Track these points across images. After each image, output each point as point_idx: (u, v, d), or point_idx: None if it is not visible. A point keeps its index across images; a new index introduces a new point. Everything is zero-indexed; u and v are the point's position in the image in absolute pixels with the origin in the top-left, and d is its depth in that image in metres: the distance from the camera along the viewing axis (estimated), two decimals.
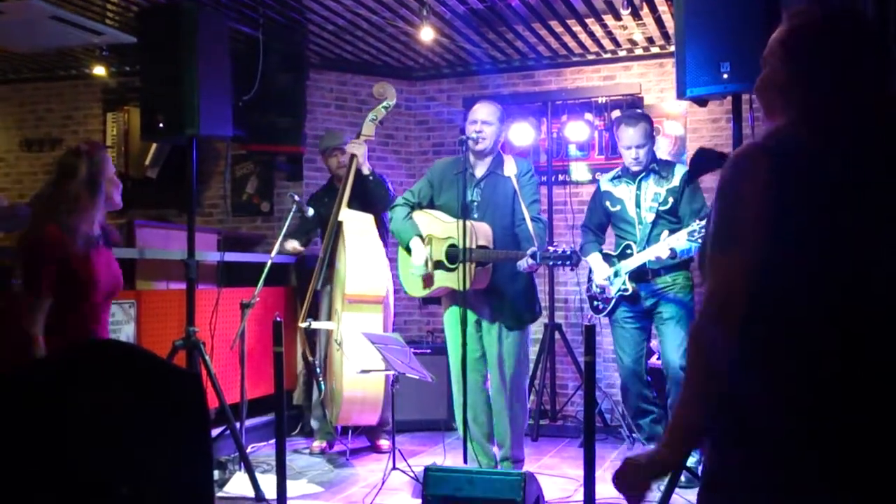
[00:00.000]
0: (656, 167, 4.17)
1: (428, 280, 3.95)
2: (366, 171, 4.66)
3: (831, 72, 1.45)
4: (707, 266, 1.46)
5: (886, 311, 1.37)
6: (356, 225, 4.57)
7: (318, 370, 4.61)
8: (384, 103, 4.68)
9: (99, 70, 6.25)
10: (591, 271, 4.36)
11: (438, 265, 3.93)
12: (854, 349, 1.36)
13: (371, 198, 4.68)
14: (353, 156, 4.63)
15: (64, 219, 2.75)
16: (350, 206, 4.61)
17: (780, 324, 1.40)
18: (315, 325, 4.58)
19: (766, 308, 1.40)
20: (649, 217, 4.10)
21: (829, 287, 1.38)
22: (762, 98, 1.55)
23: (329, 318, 4.70)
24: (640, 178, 4.17)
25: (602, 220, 4.39)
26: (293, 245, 4.94)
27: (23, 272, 2.73)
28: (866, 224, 1.38)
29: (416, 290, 4.05)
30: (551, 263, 3.59)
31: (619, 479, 1.47)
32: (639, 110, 5.19)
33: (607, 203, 4.30)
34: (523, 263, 3.59)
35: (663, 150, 5.64)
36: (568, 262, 3.53)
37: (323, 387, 4.59)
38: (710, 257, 1.44)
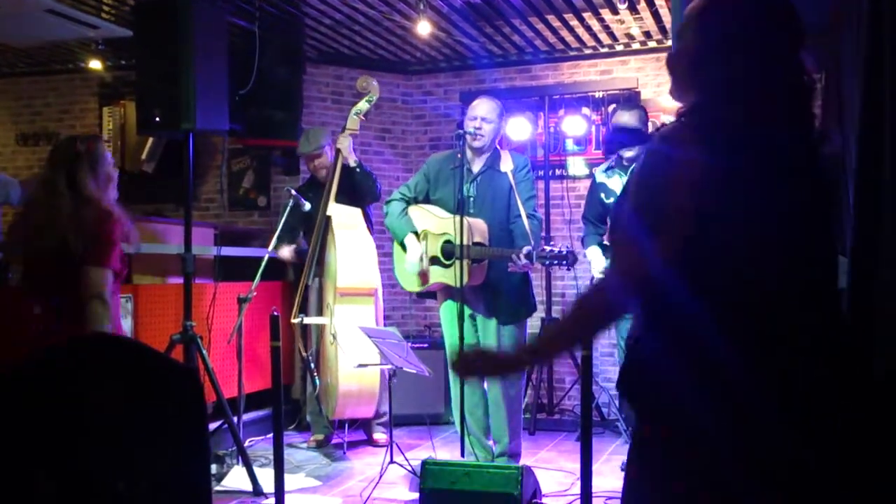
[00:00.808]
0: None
1: (423, 277, 3.95)
2: (352, 163, 4.67)
3: (746, 45, 1.40)
4: (624, 244, 1.45)
5: (813, 288, 1.38)
6: (345, 219, 4.58)
7: (311, 365, 4.62)
8: (367, 97, 4.70)
9: (95, 64, 6.24)
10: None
11: (434, 261, 3.93)
12: (779, 327, 1.35)
13: (358, 190, 4.69)
14: (338, 150, 4.65)
15: (107, 199, 2.84)
16: (337, 200, 4.61)
17: (709, 304, 1.38)
18: (307, 320, 4.59)
19: (696, 288, 1.38)
20: None
21: (760, 266, 1.37)
22: (674, 73, 1.50)
23: (320, 313, 4.71)
24: (631, 167, 4.18)
25: (600, 211, 4.41)
26: (288, 253, 4.91)
27: (96, 245, 2.75)
28: (793, 201, 1.37)
29: (412, 285, 4.06)
30: (547, 263, 3.59)
31: (465, 363, 1.55)
32: (633, 100, 5.21)
33: (602, 195, 4.31)
34: (518, 262, 3.58)
35: None
36: (564, 263, 3.52)
37: (318, 381, 4.59)
38: (632, 238, 1.41)
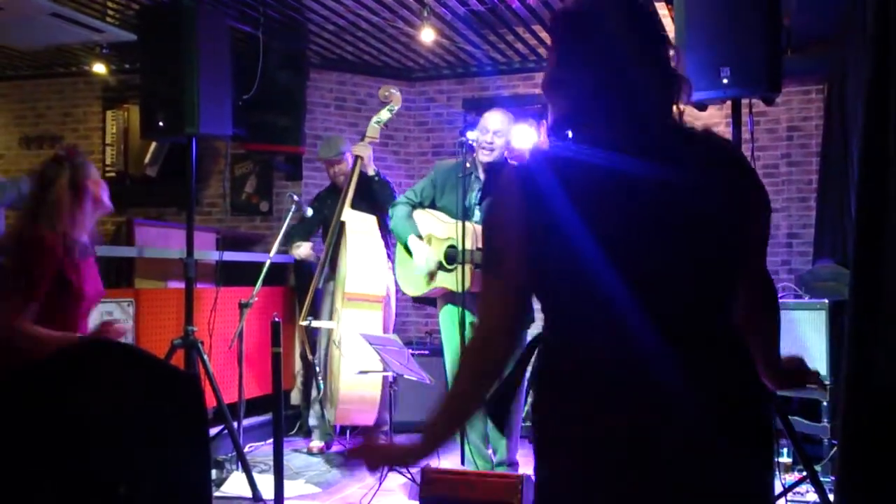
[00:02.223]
0: None
1: (432, 277, 3.93)
2: (371, 172, 4.69)
3: (597, 55, 1.36)
4: (480, 283, 1.47)
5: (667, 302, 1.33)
6: (358, 225, 4.60)
7: (317, 369, 4.62)
8: (389, 106, 4.68)
9: (99, 68, 6.24)
10: None
11: (437, 266, 3.93)
12: (641, 353, 1.31)
13: (376, 199, 4.71)
14: (358, 157, 4.66)
15: (56, 224, 2.63)
16: (355, 206, 4.63)
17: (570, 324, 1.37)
18: (315, 323, 4.60)
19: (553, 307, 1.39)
20: None
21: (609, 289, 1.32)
22: (548, 98, 1.47)
23: (330, 318, 4.71)
24: None
25: None
26: (306, 250, 4.93)
27: (15, 275, 2.57)
28: (641, 218, 1.32)
29: (412, 289, 4.06)
30: None
31: (364, 453, 1.52)
32: None
33: None
34: None
35: None
36: None
37: (322, 386, 4.59)
38: (482, 277, 1.45)
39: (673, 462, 1.31)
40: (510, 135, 3.96)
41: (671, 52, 1.42)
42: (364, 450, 1.52)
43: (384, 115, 4.69)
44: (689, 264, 1.34)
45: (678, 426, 1.30)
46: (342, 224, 4.59)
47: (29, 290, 2.52)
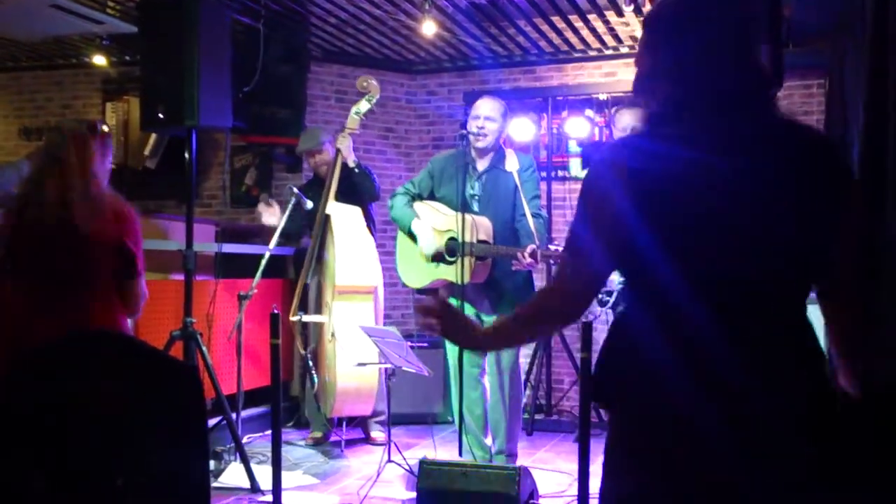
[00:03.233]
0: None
1: (437, 258, 3.93)
2: (351, 163, 4.69)
3: (696, 52, 1.40)
4: (563, 255, 1.56)
5: (754, 292, 1.36)
6: (344, 217, 4.60)
7: (310, 363, 4.63)
8: (367, 96, 4.70)
9: (99, 59, 6.24)
10: None
11: (437, 257, 3.94)
12: (725, 336, 1.34)
13: (357, 190, 4.72)
14: (338, 150, 4.67)
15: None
16: (337, 199, 4.63)
17: (657, 305, 1.40)
18: (306, 318, 4.61)
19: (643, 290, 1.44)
20: None
21: (699, 272, 1.36)
22: (638, 96, 1.53)
23: (318, 311, 4.72)
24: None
25: None
26: (270, 216, 4.91)
27: (127, 255, 2.74)
28: (731, 203, 1.35)
29: (415, 280, 4.06)
30: (552, 262, 3.60)
31: (426, 310, 1.57)
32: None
33: None
34: (523, 260, 3.58)
35: None
36: None
37: (316, 379, 4.60)
38: (563, 248, 1.55)
39: (737, 466, 1.33)
40: (503, 121, 3.97)
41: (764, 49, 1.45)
42: (441, 313, 1.57)
43: (363, 105, 4.70)
44: (762, 259, 1.36)
45: (744, 427, 1.33)
46: (327, 217, 4.60)
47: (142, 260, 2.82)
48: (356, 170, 4.71)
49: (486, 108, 3.92)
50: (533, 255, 3.54)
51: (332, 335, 4.45)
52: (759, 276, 1.36)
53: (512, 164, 3.93)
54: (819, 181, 1.37)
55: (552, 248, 3.58)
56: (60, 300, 2.64)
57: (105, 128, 2.85)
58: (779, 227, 1.35)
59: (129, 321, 2.90)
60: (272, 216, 4.94)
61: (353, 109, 4.72)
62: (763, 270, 1.36)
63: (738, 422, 1.33)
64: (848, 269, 1.42)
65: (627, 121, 4.16)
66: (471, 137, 3.85)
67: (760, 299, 1.37)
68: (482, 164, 3.97)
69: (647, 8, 5.05)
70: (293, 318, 4.57)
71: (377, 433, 4.85)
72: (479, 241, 3.77)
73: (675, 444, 1.37)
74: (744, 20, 1.44)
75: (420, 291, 4.23)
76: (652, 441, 1.40)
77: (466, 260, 3.70)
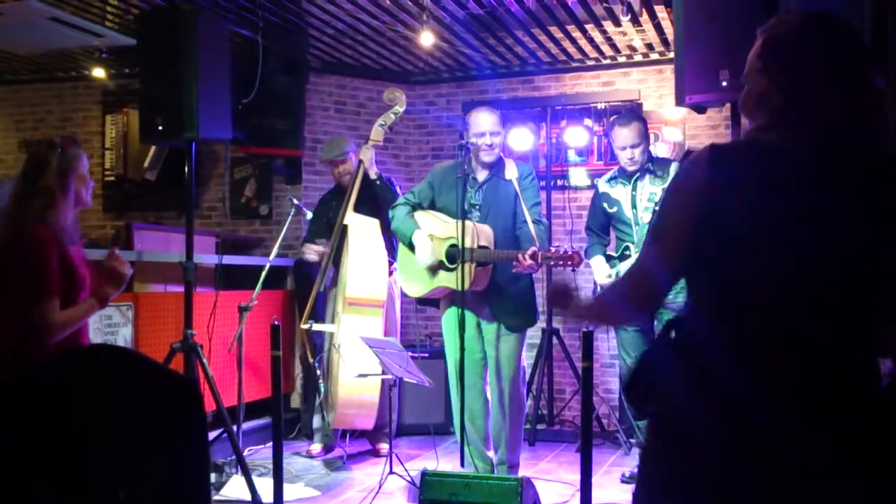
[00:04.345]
0: (651, 166, 4.18)
1: (434, 272, 3.93)
2: (373, 175, 4.70)
3: (805, 78, 1.46)
4: (638, 259, 1.60)
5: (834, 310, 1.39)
6: (361, 228, 4.60)
7: (318, 372, 4.62)
8: (394, 109, 4.69)
9: (98, 72, 6.25)
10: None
11: (439, 265, 3.93)
12: (799, 351, 1.38)
13: (379, 201, 4.71)
14: (360, 161, 4.67)
15: (44, 216, 2.61)
16: (358, 210, 4.64)
17: (724, 317, 1.45)
18: (316, 326, 4.60)
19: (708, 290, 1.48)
20: (646, 217, 4.11)
21: (762, 274, 1.41)
22: (747, 115, 1.58)
23: (333, 321, 4.71)
24: (635, 178, 4.19)
25: (603, 221, 4.41)
26: (314, 254, 4.88)
27: (23, 277, 2.54)
28: (809, 222, 1.39)
29: (415, 290, 4.06)
30: (552, 264, 3.59)
31: (560, 298, 1.71)
32: (632, 111, 5.24)
33: (605, 205, 4.32)
34: (523, 262, 3.58)
35: (662, 155, 5.65)
36: (569, 263, 3.53)
37: (322, 388, 4.59)
38: (645, 240, 1.58)
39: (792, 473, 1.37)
40: (503, 131, 4.00)
41: (875, 76, 1.49)
42: (564, 297, 1.71)
43: (389, 117, 4.70)
44: (830, 280, 1.39)
45: (816, 441, 1.35)
46: (345, 227, 4.60)
47: (48, 287, 2.53)
48: (378, 181, 4.72)
49: (489, 122, 3.92)
50: (533, 256, 3.54)
51: (337, 347, 4.44)
52: (826, 297, 1.39)
53: (511, 172, 3.94)
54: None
55: (552, 249, 3.57)
56: None
57: (58, 139, 2.79)
58: (857, 256, 1.39)
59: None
60: (314, 254, 4.91)
61: (379, 121, 4.72)
62: (830, 292, 1.40)
63: (807, 435, 1.36)
64: None
65: (626, 137, 4.16)
66: (481, 154, 3.88)
67: (828, 320, 1.40)
68: (482, 174, 3.97)
69: (644, 17, 5.07)
70: (304, 326, 4.57)
71: (384, 445, 4.84)
72: (480, 247, 3.77)
73: (734, 453, 1.39)
74: (861, 45, 1.51)
75: (420, 301, 4.23)
76: (707, 448, 1.41)
77: (467, 267, 3.70)
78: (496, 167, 3.97)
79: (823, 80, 1.45)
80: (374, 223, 4.65)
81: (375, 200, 4.71)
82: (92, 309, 2.66)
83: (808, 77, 1.45)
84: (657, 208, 1.60)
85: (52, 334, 2.52)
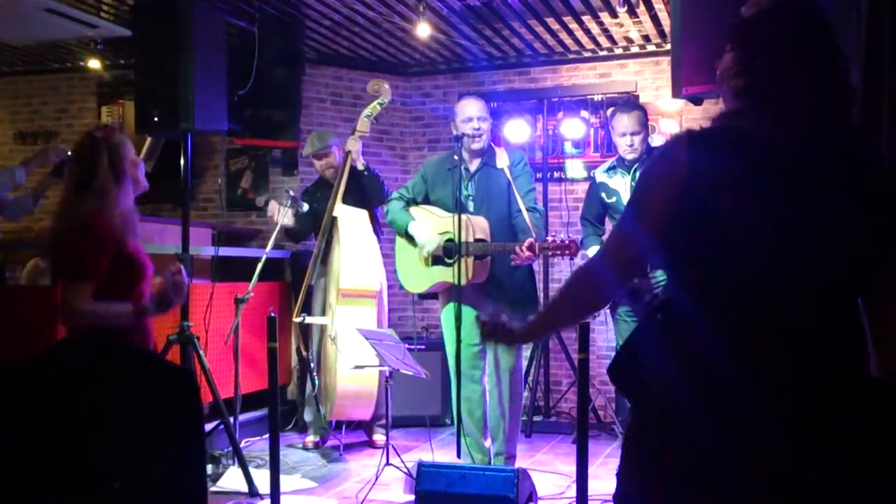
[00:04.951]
0: (649, 157, 4.18)
1: (433, 261, 3.92)
2: (360, 166, 4.69)
3: (773, 60, 1.46)
4: (614, 231, 1.60)
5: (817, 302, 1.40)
6: (350, 220, 4.60)
7: (311, 365, 4.62)
8: (379, 100, 4.71)
9: (94, 63, 6.23)
10: None
11: (436, 261, 3.93)
12: (782, 343, 1.39)
13: (366, 193, 4.72)
14: (347, 152, 4.66)
15: (105, 207, 2.64)
16: (345, 201, 4.63)
17: (709, 309, 1.44)
18: (309, 319, 4.60)
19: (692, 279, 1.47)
20: None
21: (746, 264, 1.41)
22: (720, 92, 1.59)
23: (323, 313, 4.71)
24: (634, 168, 4.19)
25: (600, 211, 4.42)
26: (281, 215, 4.75)
27: (73, 260, 2.57)
28: (796, 212, 1.39)
29: (415, 285, 4.05)
30: (549, 254, 3.59)
31: (489, 328, 1.74)
32: (633, 100, 5.23)
33: (603, 195, 4.32)
34: (521, 255, 3.58)
35: None
36: (567, 252, 3.53)
37: (317, 381, 4.60)
38: (619, 220, 1.57)
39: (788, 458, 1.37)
40: (490, 119, 3.99)
41: (845, 66, 1.49)
42: (492, 331, 1.75)
43: (375, 108, 4.71)
44: (813, 268, 1.40)
45: (798, 426, 1.36)
46: (334, 219, 4.60)
47: (82, 268, 2.54)
48: (365, 172, 4.72)
49: (475, 108, 3.92)
50: (531, 248, 3.54)
51: (333, 338, 4.45)
52: (811, 284, 1.40)
53: (502, 160, 3.93)
54: (874, 200, 1.42)
55: (549, 239, 3.57)
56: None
57: (100, 133, 2.79)
58: (832, 239, 1.40)
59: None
60: (284, 216, 4.85)
61: (364, 112, 4.73)
62: (814, 279, 1.40)
63: (788, 416, 1.37)
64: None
65: (626, 124, 4.16)
66: (467, 140, 3.86)
67: (810, 304, 1.40)
68: (473, 164, 3.97)
69: (641, 9, 5.06)
70: (296, 320, 4.58)
71: (379, 436, 4.85)
72: (476, 240, 3.77)
73: (718, 440, 1.39)
74: (834, 37, 1.50)
75: (421, 296, 4.23)
76: (687, 435, 1.41)
77: (464, 261, 3.70)
78: (486, 156, 3.97)
79: (796, 65, 1.45)
80: (363, 214, 4.66)
81: (363, 192, 4.71)
82: (125, 315, 2.56)
83: (780, 61, 1.45)
84: (634, 186, 1.57)
85: (73, 318, 2.50)
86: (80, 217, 2.60)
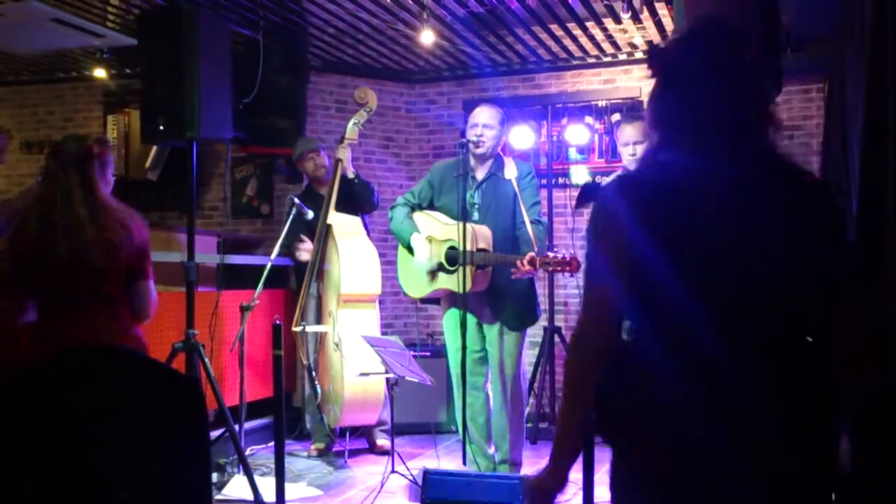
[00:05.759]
0: None
1: (433, 276, 3.93)
2: (350, 174, 4.74)
3: (688, 86, 1.48)
4: (584, 292, 1.57)
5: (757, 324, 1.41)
6: (345, 227, 4.62)
7: (312, 373, 4.63)
8: (365, 107, 4.76)
9: (99, 72, 6.26)
10: None
11: (438, 267, 3.93)
12: (730, 371, 1.39)
13: (356, 200, 4.75)
14: (338, 160, 4.68)
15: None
16: (337, 209, 4.65)
17: (664, 338, 1.44)
18: (309, 328, 4.61)
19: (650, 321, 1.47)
20: None
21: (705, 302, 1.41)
22: (647, 124, 1.60)
23: (319, 321, 4.72)
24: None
25: None
26: (309, 247, 4.84)
27: (146, 258, 2.89)
28: (732, 238, 1.41)
29: (415, 290, 4.06)
30: (550, 269, 3.59)
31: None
32: (639, 109, 5.23)
33: None
34: (521, 268, 3.58)
35: None
36: (567, 269, 3.53)
37: (318, 389, 4.60)
38: (585, 286, 1.55)
39: (732, 480, 1.38)
40: (501, 129, 3.98)
41: (765, 90, 1.54)
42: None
43: (362, 115, 4.76)
44: (754, 289, 1.41)
45: (745, 445, 1.36)
46: (328, 227, 4.61)
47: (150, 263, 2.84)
48: (355, 180, 4.74)
49: (483, 115, 3.93)
50: (532, 262, 3.54)
51: (337, 345, 4.45)
52: (766, 303, 1.41)
53: (511, 171, 3.93)
54: (815, 221, 1.44)
55: (550, 255, 3.57)
56: (66, 320, 2.68)
57: (97, 148, 2.83)
58: (779, 261, 1.41)
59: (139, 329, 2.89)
60: (306, 253, 4.88)
61: (352, 120, 4.76)
62: (767, 298, 1.41)
63: (754, 448, 1.37)
64: (848, 301, 1.47)
65: (630, 134, 4.15)
66: (470, 145, 3.86)
67: (768, 323, 1.41)
68: (481, 173, 3.97)
69: (645, 15, 5.06)
70: (296, 329, 4.58)
71: (382, 441, 4.84)
72: (479, 250, 3.77)
73: (691, 475, 1.40)
74: (750, 64, 1.51)
75: (422, 301, 4.23)
76: (667, 474, 1.43)
77: (467, 269, 3.70)
78: (495, 165, 3.96)
79: (711, 88, 1.46)
80: (357, 220, 4.69)
81: (354, 199, 4.74)
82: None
83: (694, 86, 1.47)
84: (587, 250, 1.57)
85: (149, 316, 2.77)
86: (131, 214, 2.71)
